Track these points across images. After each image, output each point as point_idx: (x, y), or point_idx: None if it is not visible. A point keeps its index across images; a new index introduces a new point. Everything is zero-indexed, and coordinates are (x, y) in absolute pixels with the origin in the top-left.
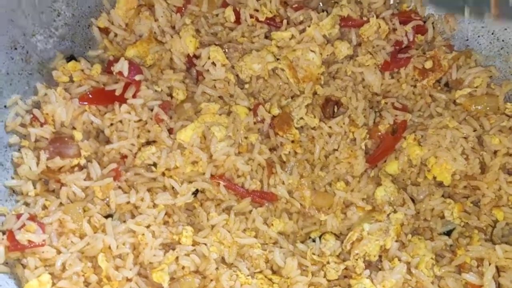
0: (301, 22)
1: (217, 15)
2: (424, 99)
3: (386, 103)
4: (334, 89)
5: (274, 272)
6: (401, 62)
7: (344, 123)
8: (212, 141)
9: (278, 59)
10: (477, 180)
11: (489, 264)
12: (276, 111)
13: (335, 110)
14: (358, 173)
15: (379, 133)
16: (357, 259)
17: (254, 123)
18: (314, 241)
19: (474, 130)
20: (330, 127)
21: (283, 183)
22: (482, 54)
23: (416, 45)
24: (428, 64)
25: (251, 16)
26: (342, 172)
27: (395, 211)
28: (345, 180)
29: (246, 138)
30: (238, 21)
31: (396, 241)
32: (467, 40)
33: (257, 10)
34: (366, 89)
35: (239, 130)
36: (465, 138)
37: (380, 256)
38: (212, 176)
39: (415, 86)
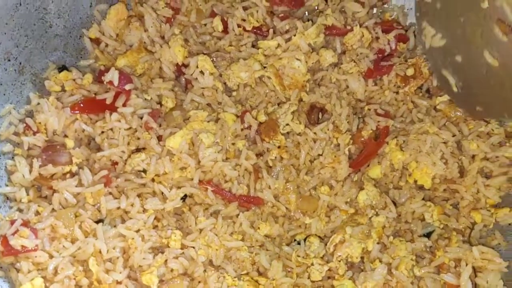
0: (287, 31)
1: (205, 24)
2: (406, 105)
3: (369, 109)
4: (319, 96)
5: (260, 274)
6: (384, 69)
7: (328, 129)
8: (200, 147)
9: (265, 67)
10: (456, 183)
11: (466, 265)
12: (262, 118)
13: (320, 116)
14: (342, 177)
15: (362, 139)
16: (339, 261)
17: (241, 129)
18: (299, 243)
19: (453, 135)
20: (315, 133)
21: (269, 187)
22: None
23: (398, 53)
24: (410, 72)
25: (239, 26)
26: (326, 177)
27: (377, 214)
28: (329, 184)
29: (233, 144)
30: (226, 30)
31: (378, 243)
32: None
33: (244, 20)
34: (350, 96)
35: (226, 137)
36: (444, 143)
37: (362, 258)
38: (200, 181)
39: (397, 93)
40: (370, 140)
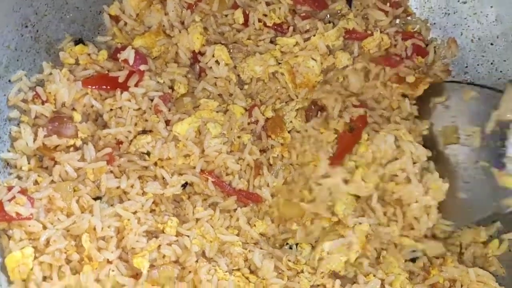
0: (307, 31)
1: (226, 15)
2: (390, 102)
3: (344, 101)
4: (321, 93)
5: (251, 272)
6: (392, 62)
7: (319, 126)
8: (206, 136)
9: (279, 63)
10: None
11: (461, 286)
12: (270, 113)
13: (319, 114)
14: (319, 175)
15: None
16: (323, 277)
17: (248, 123)
18: (291, 247)
19: (427, 159)
20: (306, 130)
21: (268, 185)
22: (480, 83)
23: (415, 66)
24: (411, 79)
25: (259, 20)
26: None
27: (360, 223)
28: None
29: (239, 137)
30: (246, 23)
31: (367, 257)
32: (467, 67)
33: (265, 15)
34: (348, 92)
35: (233, 129)
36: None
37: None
38: (202, 171)
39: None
40: (345, 133)
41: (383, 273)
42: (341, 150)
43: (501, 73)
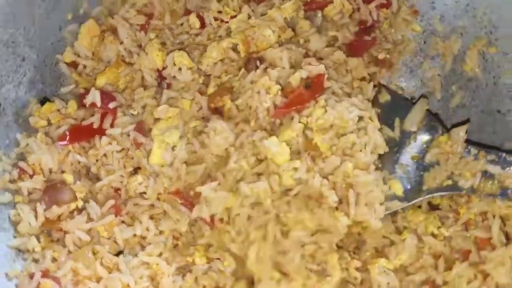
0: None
1: (181, 24)
2: (352, 79)
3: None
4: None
5: None
6: (368, 44)
7: (258, 78)
8: (167, 150)
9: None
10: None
11: (494, 217)
12: (211, 90)
13: (258, 65)
14: (257, 137)
15: (292, 88)
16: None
17: (197, 111)
18: None
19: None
20: (243, 86)
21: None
22: (450, 14)
23: (383, 19)
24: (381, 56)
25: (216, 19)
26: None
27: None
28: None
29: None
30: (203, 26)
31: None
32: (433, 2)
33: (220, 12)
34: (309, 52)
35: (187, 123)
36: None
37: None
38: (170, 192)
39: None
40: (299, 87)
41: (414, 224)
42: (289, 102)
43: None
